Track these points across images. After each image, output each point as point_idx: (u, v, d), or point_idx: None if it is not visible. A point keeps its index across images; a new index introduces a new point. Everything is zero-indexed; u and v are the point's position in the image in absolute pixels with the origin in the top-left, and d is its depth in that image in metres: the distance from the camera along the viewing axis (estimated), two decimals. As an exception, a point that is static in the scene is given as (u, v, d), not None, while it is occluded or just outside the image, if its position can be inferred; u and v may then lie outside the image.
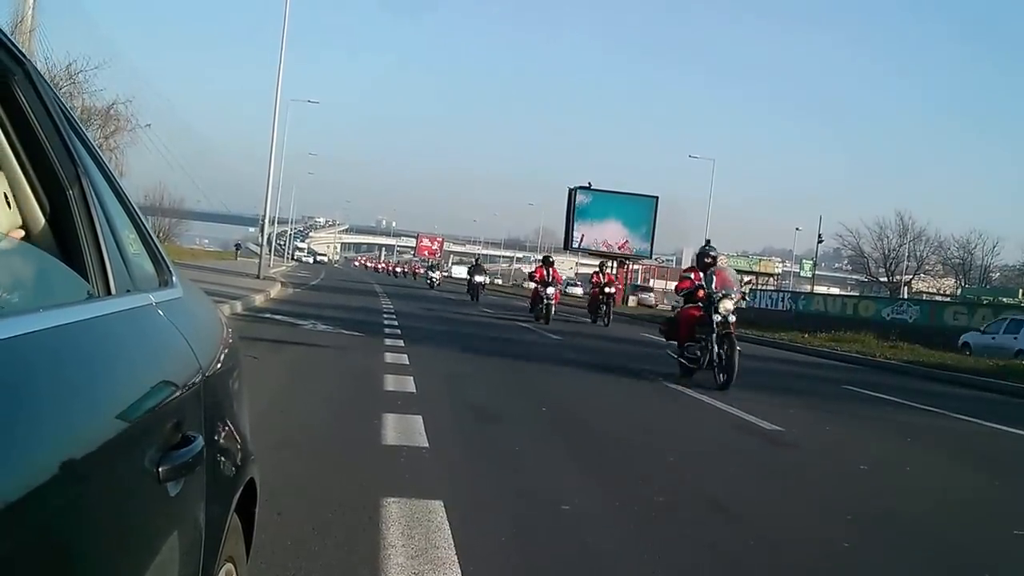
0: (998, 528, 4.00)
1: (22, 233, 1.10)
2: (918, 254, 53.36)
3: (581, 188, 44.10)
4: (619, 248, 44.34)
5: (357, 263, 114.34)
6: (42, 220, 1.12)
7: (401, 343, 9.89)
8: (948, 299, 46.28)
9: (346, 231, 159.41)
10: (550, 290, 18.13)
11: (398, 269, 68.84)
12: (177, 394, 1.14)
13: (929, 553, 3.44)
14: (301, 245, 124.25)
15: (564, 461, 4.55)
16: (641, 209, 44.50)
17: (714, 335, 8.30)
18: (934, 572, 3.18)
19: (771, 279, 52.08)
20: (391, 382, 6.60)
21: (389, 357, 8.35)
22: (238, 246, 64.00)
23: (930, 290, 56.75)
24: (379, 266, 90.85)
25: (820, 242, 49.65)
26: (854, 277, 67.10)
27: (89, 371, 0.94)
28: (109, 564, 0.86)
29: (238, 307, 12.34)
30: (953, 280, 57.72)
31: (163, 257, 1.49)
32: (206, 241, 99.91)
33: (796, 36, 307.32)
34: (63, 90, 18.38)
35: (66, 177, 1.11)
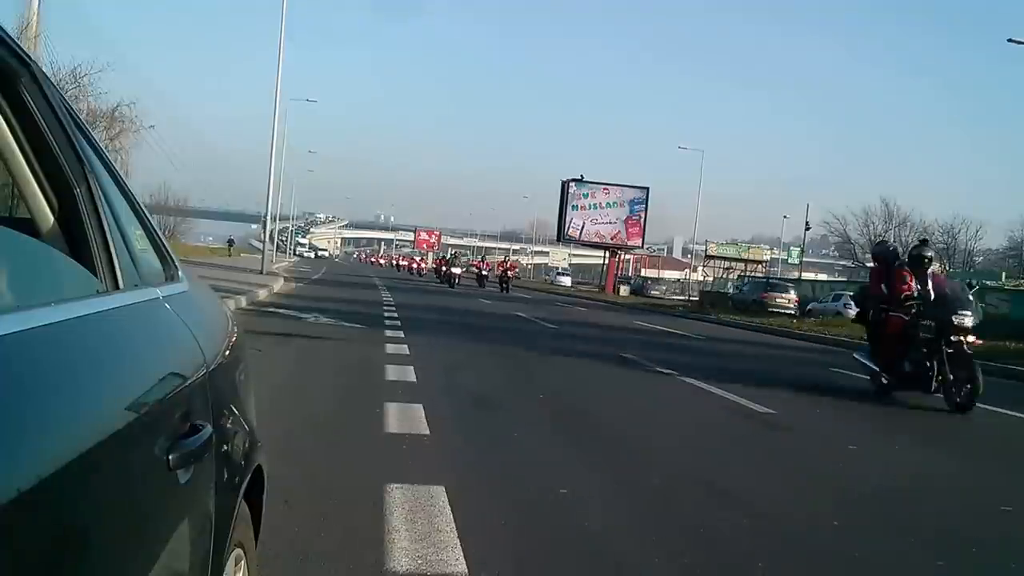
0: (985, 504, 4.05)
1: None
2: (903, 239, 53.34)
3: (573, 180, 44.04)
4: (611, 239, 44.25)
5: (374, 259, 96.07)
6: (51, 217, 1.14)
7: (401, 334, 9.95)
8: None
9: (346, 226, 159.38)
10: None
11: (455, 269, 35.52)
12: (185, 385, 1.16)
13: (917, 528, 3.48)
14: (303, 241, 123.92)
15: (555, 436, 4.60)
16: (632, 200, 44.51)
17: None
18: (922, 547, 3.22)
19: (759, 266, 51.97)
20: (392, 372, 6.65)
21: (390, 348, 8.41)
22: (231, 242, 63.69)
23: (916, 274, 56.44)
24: (414, 265, 57.84)
25: (807, 229, 49.69)
26: (841, 263, 66.95)
27: (99, 363, 0.96)
28: (123, 549, 0.88)
29: (243, 302, 12.38)
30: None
31: (168, 252, 1.51)
32: (211, 238, 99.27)
33: (782, 30, 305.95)
34: (69, 93, 18.36)
35: (73, 175, 1.12)
